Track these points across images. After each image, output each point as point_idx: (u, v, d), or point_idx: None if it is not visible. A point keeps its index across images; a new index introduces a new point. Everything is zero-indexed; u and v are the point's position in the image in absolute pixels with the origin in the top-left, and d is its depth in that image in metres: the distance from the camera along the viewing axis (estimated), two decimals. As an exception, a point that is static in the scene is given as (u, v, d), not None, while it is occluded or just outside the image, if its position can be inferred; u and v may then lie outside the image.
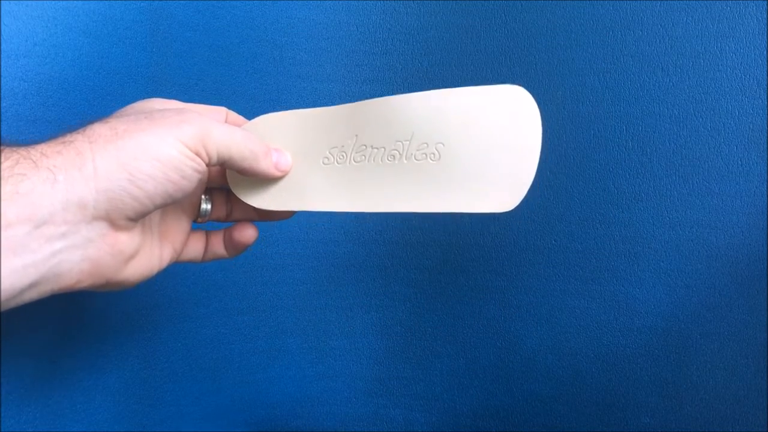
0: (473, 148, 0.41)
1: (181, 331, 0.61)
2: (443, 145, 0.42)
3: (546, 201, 0.63)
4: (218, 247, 0.48)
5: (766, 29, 0.56)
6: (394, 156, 0.43)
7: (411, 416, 0.67)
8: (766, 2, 0.56)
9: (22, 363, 0.54)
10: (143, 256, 0.41)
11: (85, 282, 0.37)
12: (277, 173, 0.45)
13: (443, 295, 0.66)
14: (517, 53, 0.63)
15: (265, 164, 0.43)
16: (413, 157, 0.42)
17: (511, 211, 0.41)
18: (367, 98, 0.45)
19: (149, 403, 0.60)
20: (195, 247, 0.48)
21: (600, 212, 0.62)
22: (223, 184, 0.47)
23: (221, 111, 0.46)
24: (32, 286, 0.35)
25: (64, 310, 0.55)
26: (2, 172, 0.33)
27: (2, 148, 0.35)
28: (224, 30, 0.60)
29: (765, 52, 0.56)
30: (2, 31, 0.49)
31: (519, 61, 0.63)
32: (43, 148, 0.35)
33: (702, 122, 0.58)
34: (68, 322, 0.56)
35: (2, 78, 0.49)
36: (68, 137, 0.36)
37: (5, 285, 0.33)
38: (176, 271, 0.61)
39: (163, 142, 0.37)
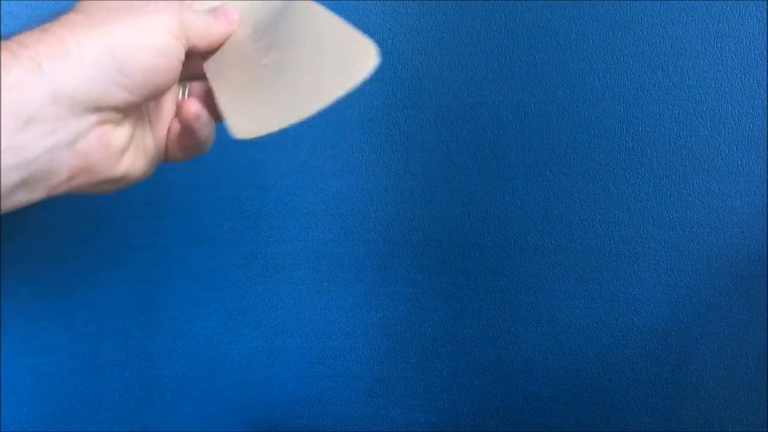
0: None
1: (181, 331, 0.62)
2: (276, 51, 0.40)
3: (546, 201, 0.63)
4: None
5: (766, 29, 0.56)
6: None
7: (411, 416, 0.68)
8: (766, 2, 0.56)
9: (22, 363, 0.54)
10: (137, 149, 0.40)
11: (79, 179, 0.36)
12: (231, 26, 0.42)
13: (443, 295, 0.66)
14: (517, 53, 0.63)
15: (224, 29, 0.41)
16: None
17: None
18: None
19: (149, 403, 0.60)
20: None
21: (600, 212, 0.62)
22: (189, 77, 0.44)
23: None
24: (23, 184, 0.33)
25: (64, 310, 0.55)
26: None
27: None
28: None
29: (765, 53, 0.56)
30: (2, 31, 0.49)
31: (519, 61, 0.63)
32: (20, 38, 0.34)
33: (702, 122, 0.58)
34: (68, 322, 0.56)
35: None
36: (43, 26, 0.34)
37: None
38: (176, 271, 0.61)
39: (148, 29, 0.36)
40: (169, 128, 0.43)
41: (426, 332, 0.67)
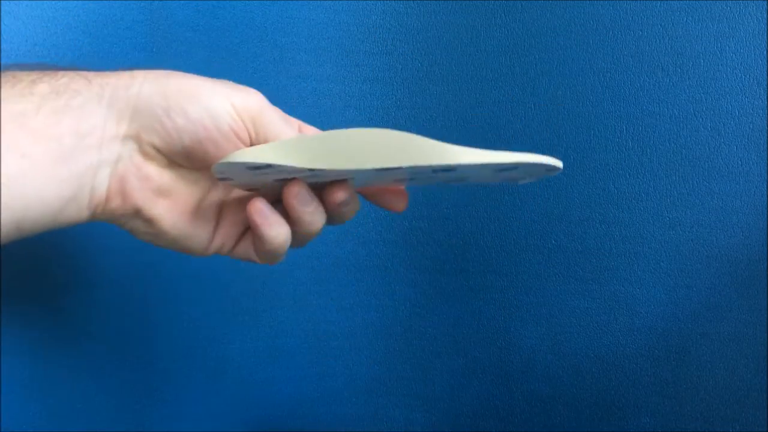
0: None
1: (181, 330, 0.62)
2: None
3: (546, 201, 0.63)
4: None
5: (765, 29, 0.56)
6: None
7: (411, 416, 0.68)
8: (765, 2, 0.56)
9: (22, 363, 0.54)
10: (179, 203, 0.41)
11: (115, 201, 0.38)
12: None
13: (443, 295, 0.66)
14: (517, 53, 0.63)
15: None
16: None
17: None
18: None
19: (149, 402, 0.60)
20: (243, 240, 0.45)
21: (600, 212, 0.62)
22: None
23: (295, 123, 0.45)
24: (73, 199, 0.36)
25: (65, 310, 0.55)
26: (59, 87, 0.36)
27: (60, 69, 0.37)
28: (224, 30, 0.60)
29: (765, 53, 0.56)
30: (2, 31, 0.49)
31: (519, 61, 0.63)
32: (101, 72, 0.38)
33: (702, 122, 0.59)
34: (69, 322, 0.56)
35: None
36: (134, 70, 0.38)
37: (54, 193, 0.35)
38: (176, 271, 0.61)
39: (213, 93, 0.38)
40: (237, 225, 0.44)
41: (426, 332, 0.67)
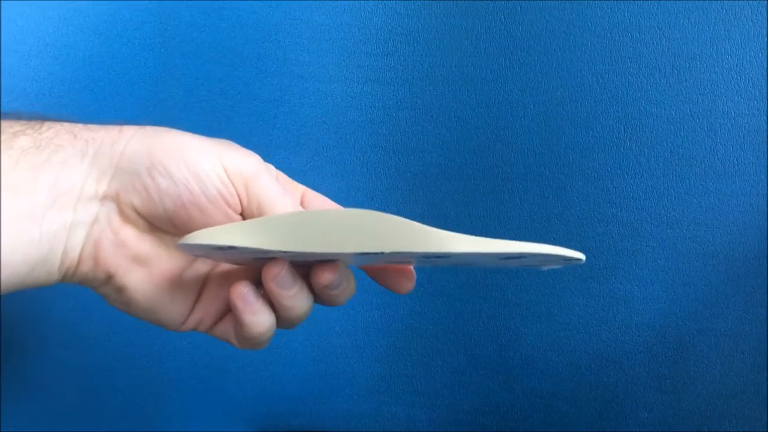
0: None
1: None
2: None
3: (545, 200, 0.63)
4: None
5: (762, 31, 0.57)
6: None
7: (412, 413, 0.68)
8: (765, 2, 0.57)
9: (27, 362, 0.54)
10: (156, 271, 0.37)
11: (86, 265, 0.35)
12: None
13: (443, 293, 0.67)
14: (517, 54, 0.63)
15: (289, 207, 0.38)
16: None
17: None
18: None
19: (154, 401, 0.60)
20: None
21: (598, 211, 0.62)
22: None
23: (297, 190, 0.42)
24: (42, 262, 0.33)
25: (69, 310, 0.55)
26: (42, 141, 0.33)
27: (47, 120, 0.34)
28: (229, 31, 0.60)
29: (761, 54, 0.57)
30: (14, 31, 0.49)
31: (519, 62, 0.63)
32: (91, 125, 0.35)
33: (699, 123, 0.59)
34: (75, 322, 0.56)
35: (14, 78, 0.49)
36: (125, 125, 0.35)
37: (23, 256, 0.32)
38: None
39: (202, 154, 0.35)
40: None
41: (427, 330, 0.67)
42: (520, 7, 0.63)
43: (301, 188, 0.42)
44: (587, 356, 0.63)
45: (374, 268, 0.40)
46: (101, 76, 0.54)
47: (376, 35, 0.66)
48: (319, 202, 0.42)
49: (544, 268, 0.41)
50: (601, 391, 0.63)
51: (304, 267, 0.37)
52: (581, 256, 0.35)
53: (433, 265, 0.40)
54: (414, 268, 0.40)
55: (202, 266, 0.39)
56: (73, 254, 0.35)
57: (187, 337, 0.62)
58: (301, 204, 0.41)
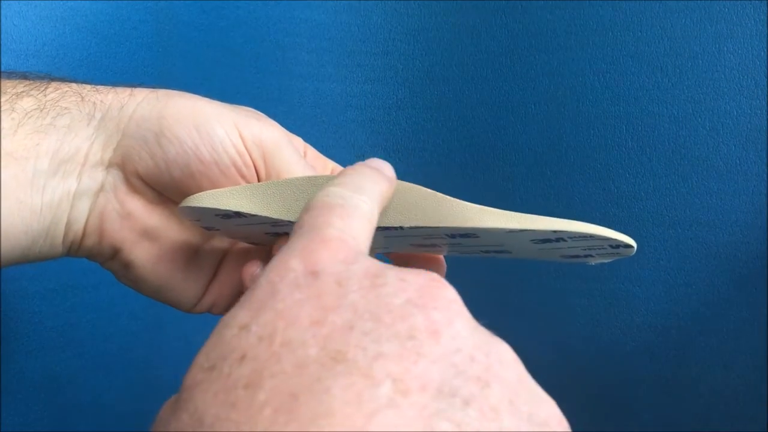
0: None
1: (186, 330, 0.62)
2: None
3: (546, 200, 0.63)
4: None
5: (763, 30, 0.57)
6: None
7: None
8: (765, 2, 0.57)
9: (26, 363, 0.54)
10: (167, 246, 0.34)
11: (91, 238, 0.33)
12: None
13: (444, 294, 0.66)
14: (517, 53, 0.63)
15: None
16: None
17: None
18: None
19: (153, 402, 0.60)
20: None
21: (600, 211, 0.62)
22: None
23: (327, 165, 0.39)
24: (45, 233, 0.31)
25: (69, 310, 0.55)
26: (46, 103, 0.31)
27: (54, 81, 0.32)
28: (228, 30, 0.60)
29: (763, 53, 0.57)
30: (12, 31, 0.49)
31: (519, 61, 0.63)
32: (101, 86, 0.32)
33: (701, 122, 0.59)
34: (73, 322, 0.56)
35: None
36: (138, 87, 0.33)
37: (24, 226, 0.30)
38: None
39: (216, 120, 0.32)
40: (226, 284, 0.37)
41: (427, 331, 0.67)
42: (521, 6, 0.63)
43: (330, 164, 0.38)
44: (588, 357, 0.63)
45: (401, 256, 0.36)
46: (99, 76, 0.53)
47: (375, 34, 0.66)
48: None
49: (592, 262, 0.34)
50: (602, 392, 0.63)
51: None
52: (632, 242, 0.31)
53: (464, 253, 0.34)
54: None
55: (218, 243, 0.36)
56: (77, 226, 0.32)
57: (187, 337, 0.62)
58: None
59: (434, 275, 0.22)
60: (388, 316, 0.20)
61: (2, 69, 0.44)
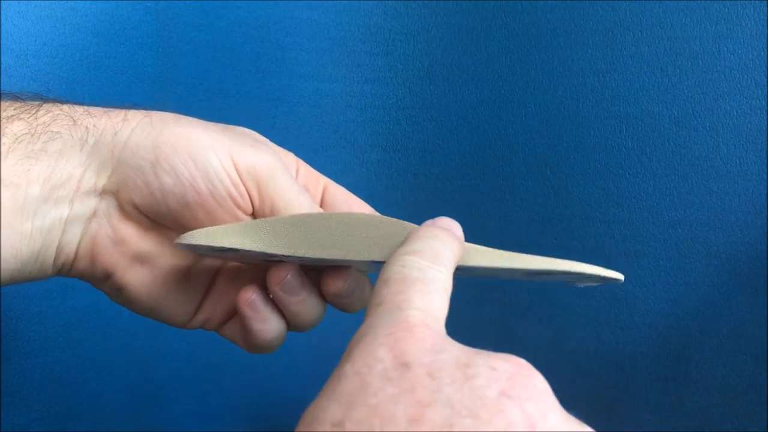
0: None
1: (185, 331, 0.61)
2: None
3: (546, 200, 0.63)
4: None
5: (764, 30, 0.57)
6: None
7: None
8: (765, 2, 0.57)
9: (26, 363, 0.54)
10: (159, 269, 0.35)
11: (83, 262, 0.33)
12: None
13: (444, 294, 0.66)
14: (517, 53, 0.63)
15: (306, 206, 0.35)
16: None
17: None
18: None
19: (153, 402, 0.60)
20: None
21: (600, 211, 0.62)
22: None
23: (319, 183, 0.39)
24: (35, 258, 0.31)
25: (69, 310, 0.55)
26: (38, 127, 0.30)
27: (46, 103, 0.32)
28: (228, 30, 0.60)
29: (763, 53, 0.57)
30: (11, 31, 0.49)
31: (519, 61, 0.63)
32: (93, 108, 0.32)
33: (701, 122, 0.59)
34: (73, 322, 0.56)
35: (12, 78, 0.49)
36: (131, 110, 0.33)
37: (14, 251, 0.30)
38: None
39: (212, 149, 0.32)
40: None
41: (427, 331, 0.67)
42: (521, 6, 0.63)
43: (323, 181, 0.39)
44: (589, 357, 0.63)
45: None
46: (99, 76, 0.53)
47: (375, 34, 0.66)
48: (342, 196, 0.39)
49: (580, 285, 0.37)
50: (603, 392, 0.63)
51: (316, 271, 0.35)
52: (619, 276, 0.32)
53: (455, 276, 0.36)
54: None
55: (210, 263, 0.36)
56: (69, 250, 0.32)
57: (187, 337, 0.62)
58: (323, 198, 0.39)
59: (521, 361, 0.23)
60: (485, 412, 0.20)
61: (2, 69, 0.44)
